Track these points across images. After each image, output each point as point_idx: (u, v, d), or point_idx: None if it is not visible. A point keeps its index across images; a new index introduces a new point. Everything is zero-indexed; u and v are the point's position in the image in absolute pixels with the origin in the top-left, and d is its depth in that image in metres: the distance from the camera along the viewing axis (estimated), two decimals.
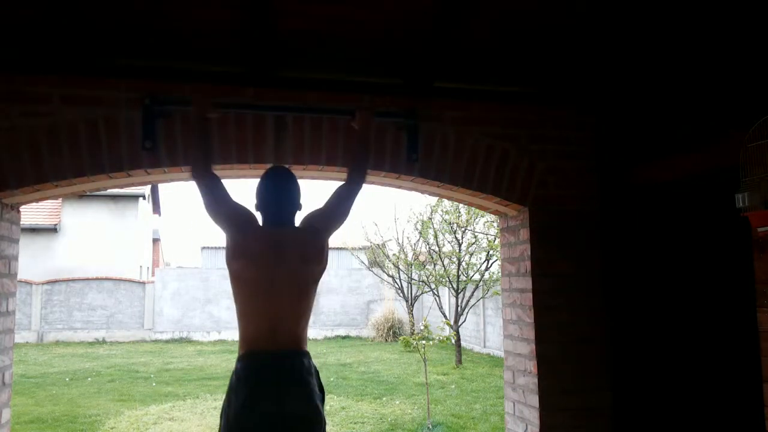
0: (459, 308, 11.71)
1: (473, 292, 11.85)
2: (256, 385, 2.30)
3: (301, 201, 2.62)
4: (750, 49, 2.61)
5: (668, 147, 3.01)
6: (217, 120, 2.92)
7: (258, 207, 2.58)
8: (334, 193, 2.71)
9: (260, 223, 2.55)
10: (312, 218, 2.61)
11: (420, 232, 12.78)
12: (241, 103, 2.96)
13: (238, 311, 2.46)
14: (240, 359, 2.38)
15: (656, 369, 3.39)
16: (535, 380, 3.18)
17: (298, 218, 2.63)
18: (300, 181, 2.75)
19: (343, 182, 2.77)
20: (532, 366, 3.22)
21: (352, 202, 2.73)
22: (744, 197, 2.40)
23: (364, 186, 2.87)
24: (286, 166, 2.89)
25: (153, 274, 22.66)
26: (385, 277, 15.29)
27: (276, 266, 2.41)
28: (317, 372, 2.47)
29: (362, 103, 3.08)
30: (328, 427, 2.60)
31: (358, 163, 2.81)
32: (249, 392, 2.29)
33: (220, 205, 2.51)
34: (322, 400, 2.46)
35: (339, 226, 2.67)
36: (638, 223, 3.42)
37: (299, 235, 2.52)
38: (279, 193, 2.57)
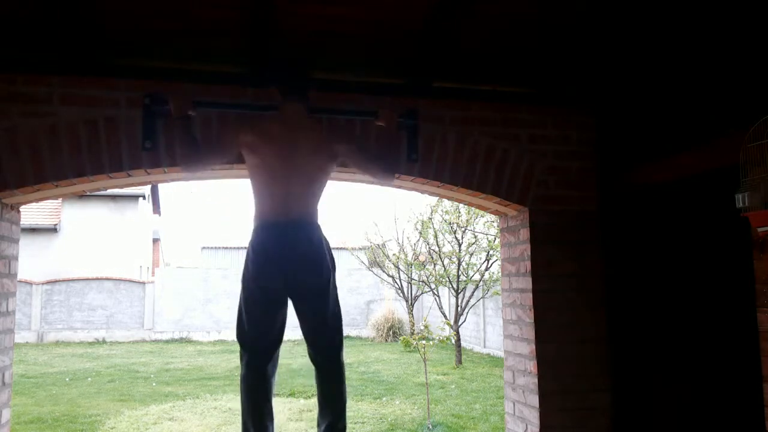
0: (459, 308, 11.71)
1: (473, 292, 11.85)
2: (268, 251, 2.56)
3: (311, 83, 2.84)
4: (750, 49, 2.61)
5: (668, 147, 3.01)
6: (217, 120, 2.92)
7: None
8: (370, 156, 2.87)
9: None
10: (337, 136, 2.83)
11: (420, 232, 12.77)
12: (240, 103, 2.96)
13: (254, 192, 2.70)
14: (255, 230, 2.63)
15: (656, 369, 3.39)
16: (535, 380, 3.18)
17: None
18: None
19: (374, 174, 2.87)
20: (532, 366, 3.22)
21: (364, 170, 2.86)
22: (744, 197, 2.40)
23: (377, 182, 3.02)
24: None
25: (153, 274, 22.66)
26: (385, 277, 15.28)
27: (288, 152, 2.64)
28: (328, 243, 2.70)
29: (362, 103, 3.09)
30: None
31: (384, 161, 2.90)
32: (262, 258, 2.56)
33: (225, 151, 2.74)
34: (333, 266, 2.70)
35: (340, 165, 2.85)
36: (638, 223, 3.42)
37: (312, 133, 2.74)
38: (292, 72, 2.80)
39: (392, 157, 2.97)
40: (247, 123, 2.75)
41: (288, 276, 2.58)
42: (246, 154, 2.70)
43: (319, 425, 2.75)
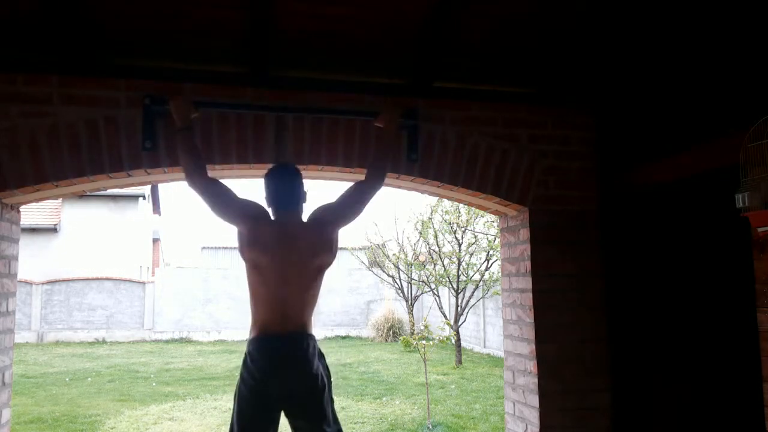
0: (459, 308, 11.71)
1: (473, 292, 11.85)
2: (266, 365, 2.53)
3: (305, 191, 2.80)
4: (750, 49, 2.61)
5: (668, 147, 3.01)
6: (217, 120, 2.92)
7: (267, 202, 2.76)
8: (351, 188, 2.84)
9: (271, 216, 2.72)
10: (323, 211, 2.76)
11: (420, 232, 12.77)
12: (240, 103, 2.96)
13: (251, 295, 2.66)
14: (252, 341, 2.60)
15: (656, 369, 3.39)
16: (535, 380, 3.18)
17: (307, 212, 2.79)
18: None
19: (362, 180, 2.86)
20: (532, 366, 3.22)
21: (368, 200, 2.84)
22: (744, 197, 2.39)
23: (382, 187, 2.95)
24: (288, 162, 2.94)
25: (153, 274, 22.66)
26: (385, 277, 15.28)
27: (287, 256, 2.61)
28: (322, 354, 2.69)
29: (363, 103, 3.09)
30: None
31: (379, 164, 2.90)
32: (260, 372, 2.53)
33: (228, 208, 2.68)
34: (329, 380, 2.67)
35: (350, 221, 2.81)
36: (638, 223, 3.42)
37: (309, 227, 2.70)
38: (283, 188, 2.75)
39: (385, 159, 2.91)
40: (249, 215, 2.66)
41: (284, 389, 2.54)
42: (239, 234, 2.64)
43: None
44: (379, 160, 2.90)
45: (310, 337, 2.63)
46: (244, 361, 2.61)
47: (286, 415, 2.62)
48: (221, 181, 2.75)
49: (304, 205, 2.79)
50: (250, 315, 2.66)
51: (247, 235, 2.63)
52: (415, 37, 3.01)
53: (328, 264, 2.72)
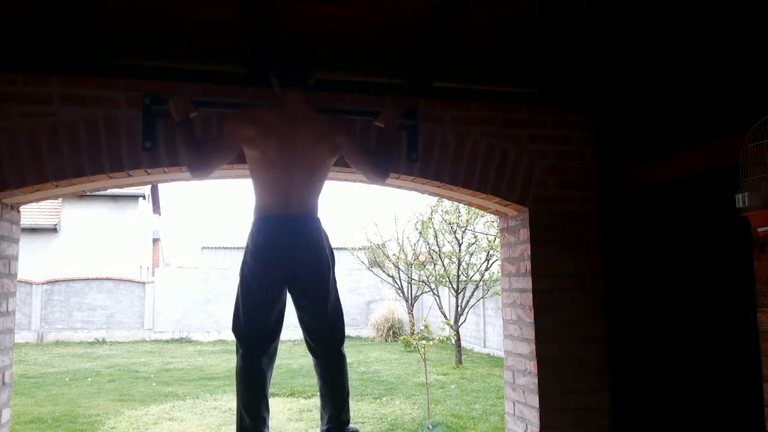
0: (459, 308, 11.70)
1: (473, 292, 11.85)
2: (269, 244, 2.57)
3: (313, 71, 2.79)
4: (750, 49, 2.61)
5: (668, 147, 3.01)
6: (217, 120, 2.92)
7: (272, 73, 2.76)
8: (367, 154, 2.84)
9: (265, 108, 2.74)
10: (336, 127, 2.77)
11: (420, 232, 12.77)
12: (240, 103, 2.95)
13: (253, 183, 2.68)
14: (255, 222, 2.63)
15: (656, 369, 3.39)
16: (535, 380, 3.18)
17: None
18: None
19: (369, 168, 2.84)
20: (532, 366, 3.22)
21: (364, 171, 2.83)
22: (744, 197, 2.39)
23: (377, 183, 2.96)
24: None
25: (153, 274, 22.66)
26: (385, 277, 15.28)
27: (289, 143, 2.62)
28: (327, 236, 2.71)
29: (363, 103, 3.09)
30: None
31: (382, 164, 2.88)
32: (263, 251, 2.56)
33: (230, 151, 2.69)
34: (333, 260, 2.70)
35: (339, 156, 2.81)
36: (638, 223, 3.42)
37: (313, 124, 2.71)
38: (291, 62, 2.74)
39: (388, 158, 2.94)
40: (246, 115, 2.71)
41: (288, 269, 2.58)
42: (246, 147, 2.67)
43: (321, 418, 2.74)
44: (382, 161, 2.89)
45: (315, 219, 2.66)
46: (247, 244, 2.63)
47: (290, 292, 2.64)
48: (215, 153, 2.71)
49: (309, 81, 2.78)
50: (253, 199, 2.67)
51: (250, 138, 2.63)
52: (415, 37, 3.01)
53: (331, 160, 2.75)
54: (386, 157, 2.91)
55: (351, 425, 2.73)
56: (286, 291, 2.65)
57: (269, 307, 2.61)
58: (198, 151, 2.67)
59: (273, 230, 2.59)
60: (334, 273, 2.70)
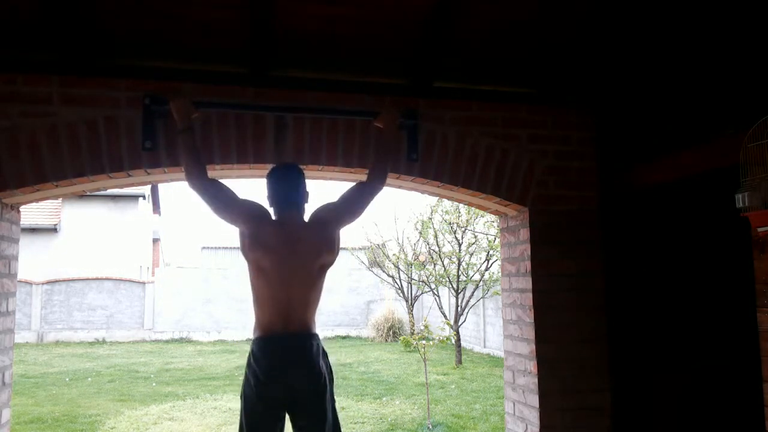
0: (459, 308, 11.71)
1: (473, 292, 11.85)
2: (270, 365, 2.55)
3: (308, 191, 2.81)
4: (750, 49, 2.61)
5: (668, 147, 3.01)
6: (217, 120, 2.92)
7: (269, 202, 2.77)
8: (354, 187, 2.84)
9: (273, 216, 2.72)
10: (325, 210, 2.76)
11: (420, 232, 12.77)
12: (240, 103, 2.96)
13: (254, 296, 2.66)
14: (256, 341, 2.61)
15: (656, 369, 3.39)
16: (535, 380, 3.18)
17: (308, 211, 2.80)
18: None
19: (364, 181, 2.86)
20: (532, 366, 3.22)
21: (369, 200, 2.85)
22: (744, 197, 2.39)
23: (383, 187, 2.95)
24: (290, 162, 2.94)
25: (153, 274, 22.66)
26: (385, 277, 15.28)
27: (289, 257, 2.61)
28: (325, 353, 2.70)
29: (363, 103, 3.09)
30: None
31: (381, 164, 2.90)
32: (264, 373, 2.54)
33: (228, 208, 2.69)
34: (331, 379, 2.68)
35: (351, 221, 2.82)
36: (638, 222, 3.42)
37: (311, 227, 2.71)
38: (286, 187, 2.76)
39: (385, 161, 2.91)
40: (249, 216, 2.66)
41: (287, 391, 2.56)
42: (242, 235, 2.65)
43: None
44: (381, 161, 2.90)
45: (314, 337, 2.64)
46: (249, 362, 2.62)
47: (289, 414, 2.63)
48: (221, 181, 2.75)
49: (306, 205, 2.79)
50: (253, 315, 2.66)
51: (249, 236, 2.63)
52: (415, 37, 3.01)
53: (331, 263, 2.73)
54: (382, 162, 2.89)
55: None
56: (285, 410, 2.63)
57: (271, 425, 2.59)
58: (198, 169, 2.67)
59: (274, 352, 2.56)
60: (332, 391, 2.68)
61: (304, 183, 2.81)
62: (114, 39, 2.87)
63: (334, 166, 3.07)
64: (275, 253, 2.60)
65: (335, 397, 2.74)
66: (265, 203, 2.77)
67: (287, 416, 2.64)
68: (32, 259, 17.47)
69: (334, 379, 2.75)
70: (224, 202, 2.68)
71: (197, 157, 2.71)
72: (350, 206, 2.80)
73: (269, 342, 2.58)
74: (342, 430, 2.72)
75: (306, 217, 2.77)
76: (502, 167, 3.25)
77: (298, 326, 2.60)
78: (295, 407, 2.61)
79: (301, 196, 2.77)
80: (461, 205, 10.94)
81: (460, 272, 11.67)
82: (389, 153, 2.96)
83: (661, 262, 3.44)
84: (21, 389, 8.84)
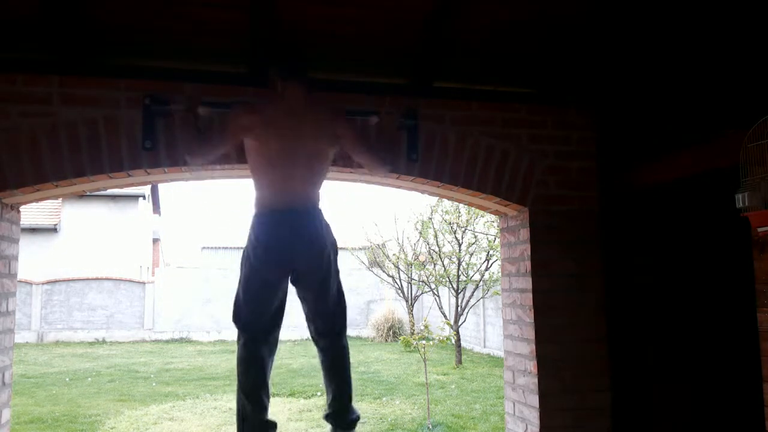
0: (459, 308, 11.70)
1: (473, 292, 11.85)
2: (271, 241, 2.57)
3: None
4: (750, 49, 2.61)
5: (668, 147, 3.01)
6: (217, 120, 2.92)
7: (272, 72, 2.79)
8: (368, 144, 2.87)
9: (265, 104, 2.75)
10: (339, 118, 2.79)
11: (420, 232, 12.77)
12: (241, 100, 2.95)
13: (254, 178, 2.68)
14: (256, 216, 2.63)
15: (656, 369, 3.39)
16: (535, 380, 3.18)
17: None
18: None
19: (367, 160, 2.86)
20: (532, 366, 3.22)
21: (364, 158, 2.85)
22: (744, 197, 2.40)
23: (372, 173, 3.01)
24: None
25: (153, 274, 22.66)
26: (385, 277, 15.27)
27: (291, 138, 2.63)
28: (328, 227, 2.71)
29: (363, 103, 3.08)
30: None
31: (381, 154, 2.92)
32: (265, 248, 2.56)
33: (231, 139, 2.71)
34: (336, 251, 2.71)
35: (339, 148, 2.83)
36: (638, 223, 3.42)
37: (314, 111, 2.73)
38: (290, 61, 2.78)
39: (389, 152, 2.96)
40: (246, 107, 2.72)
41: (289, 264, 2.59)
42: (246, 139, 2.68)
43: (326, 413, 2.74)
44: (383, 152, 2.94)
45: (318, 211, 2.66)
46: (249, 238, 2.63)
47: (293, 284, 2.66)
48: (216, 140, 2.76)
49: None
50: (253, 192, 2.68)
51: (251, 130, 2.64)
52: (415, 37, 3.01)
53: (330, 155, 2.76)
54: (387, 152, 2.94)
55: (354, 412, 2.73)
56: (287, 282, 2.67)
57: (270, 298, 2.63)
58: (198, 139, 2.72)
59: (274, 225, 2.60)
60: (336, 265, 2.71)
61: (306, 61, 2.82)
62: (114, 39, 2.87)
63: (333, 165, 3.06)
64: (276, 128, 2.63)
65: (339, 268, 2.76)
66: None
67: (290, 288, 2.66)
68: (32, 259, 17.47)
69: (338, 252, 2.76)
70: (228, 134, 2.70)
71: (198, 136, 2.78)
72: (354, 147, 2.80)
73: (269, 215, 2.61)
74: (346, 302, 2.77)
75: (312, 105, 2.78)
76: (502, 167, 3.25)
77: (299, 202, 2.62)
78: (298, 279, 2.63)
79: (304, 66, 2.79)
80: (461, 205, 10.94)
81: (460, 272, 11.67)
82: (389, 149, 2.99)
83: (661, 262, 3.44)
84: (21, 389, 8.84)
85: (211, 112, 2.89)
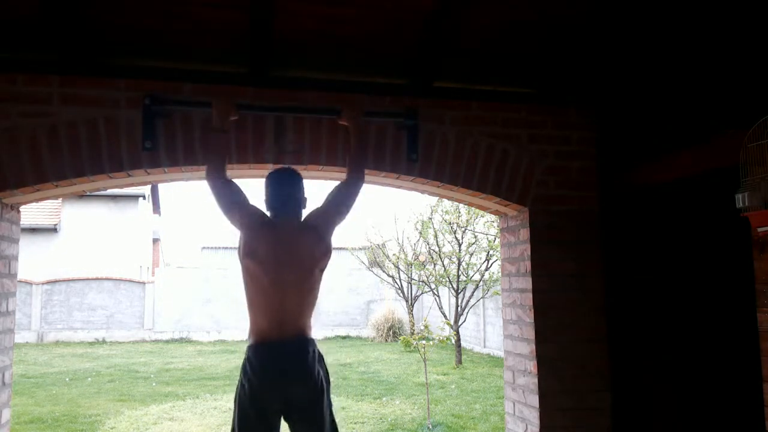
0: (459, 308, 11.71)
1: (473, 292, 11.85)
2: (265, 374, 2.53)
3: (306, 196, 2.80)
4: (750, 48, 2.61)
5: (668, 147, 3.01)
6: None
7: (266, 205, 2.77)
8: (334, 189, 2.84)
9: (271, 222, 2.71)
10: (313, 217, 2.76)
11: (420, 232, 12.78)
12: (241, 104, 2.96)
13: (248, 302, 2.64)
14: (250, 348, 2.59)
15: (656, 369, 3.39)
16: (535, 380, 3.18)
17: (304, 214, 2.79)
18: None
19: (343, 181, 2.88)
20: (532, 366, 3.22)
21: (354, 197, 2.85)
22: (744, 197, 2.40)
23: (364, 183, 2.95)
24: (289, 166, 2.93)
25: (153, 274, 22.66)
26: (385, 277, 15.28)
27: (284, 263, 2.60)
28: (321, 357, 2.68)
29: (363, 103, 3.08)
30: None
31: (356, 161, 2.90)
32: (259, 381, 2.52)
33: (233, 211, 2.68)
34: (328, 383, 2.66)
35: (340, 222, 2.81)
36: (638, 223, 3.42)
37: (305, 232, 2.69)
38: (282, 193, 2.75)
39: (361, 158, 2.92)
40: (251, 224, 2.66)
41: (283, 399, 2.55)
42: (240, 236, 2.66)
43: None
44: (356, 157, 2.90)
45: (310, 343, 2.62)
46: (244, 368, 2.59)
47: (285, 420, 2.62)
48: (236, 182, 2.75)
49: (303, 210, 2.79)
50: (248, 320, 2.65)
51: (247, 242, 2.63)
52: (415, 37, 3.01)
53: (325, 266, 2.72)
54: (357, 159, 2.89)
55: None
56: (280, 415, 2.61)
57: (264, 429, 2.57)
58: (221, 168, 2.68)
59: (268, 359, 2.54)
60: (329, 396, 2.66)
61: (302, 187, 2.80)
62: (114, 39, 2.87)
63: (334, 166, 3.07)
64: (270, 259, 2.59)
65: (332, 400, 2.73)
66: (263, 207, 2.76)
67: (282, 422, 2.62)
68: (32, 259, 17.47)
69: (331, 381, 2.73)
70: (230, 204, 2.67)
71: (223, 157, 2.73)
72: (336, 207, 2.78)
73: (265, 349, 2.56)
74: (339, 431, 2.72)
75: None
76: (502, 167, 3.25)
77: (293, 332, 2.58)
78: (293, 414, 2.59)
79: (298, 201, 2.76)
80: (461, 205, 10.94)
81: (460, 272, 11.67)
82: (359, 148, 2.93)
83: (661, 262, 3.44)
84: (21, 389, 8.84)
85: (204, 114, 2.87)
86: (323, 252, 2.69)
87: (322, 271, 2.71)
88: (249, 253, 2.61)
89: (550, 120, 3.35)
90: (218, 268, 17.89)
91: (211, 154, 2.75)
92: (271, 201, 2.75)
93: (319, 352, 2.67)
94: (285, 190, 2.75)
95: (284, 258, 2.60)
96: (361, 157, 2.94)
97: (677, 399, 3.40)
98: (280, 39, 2.91)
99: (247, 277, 2.63)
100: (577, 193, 3.35)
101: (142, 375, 10.42)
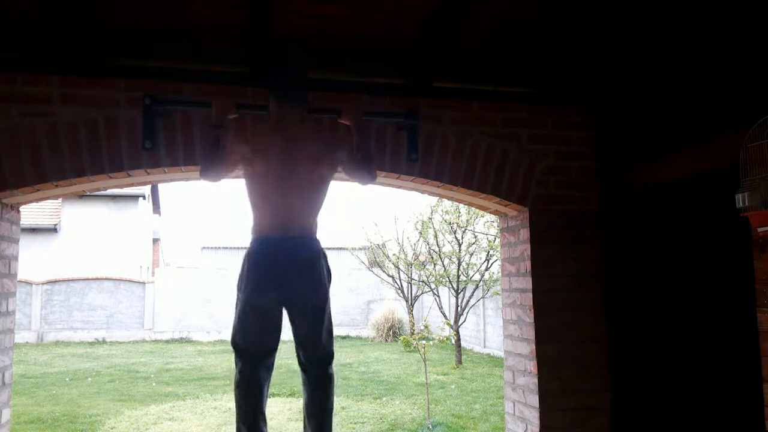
0: (459, 308, 11.70)
1: (473, 292, 11.85)
2: (266, 269, 2.57)
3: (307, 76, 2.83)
4: (750, 48, 2.61)
5: (668, 147, 3.01)
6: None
7: (270, 91, 2.78)
8: (359, 163, 2.79)
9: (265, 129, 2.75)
10: (339, 141, 2.82)
11: (420, 232, 12.77)
12: (241, 104, 2.95)
13: (251, 203, 2.67)
14: (253, 242, 2.61)
15: (656, 369, 3.39)
16: (535, 380, 3.18)
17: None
18: None
19: (353, 170, 2.82)
20: (532, 366, 3.22)
21: (351, 175, 2.84)
22: (744, 197, 2.40)
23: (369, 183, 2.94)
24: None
25: (153, 274, 22.66)
26: (385, 277, 15.27)
27: (289, 165, 2.62)
28: (325, 255, 2.70)
29: (363, 103, 3.08)
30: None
31: (363, 163, 2.83)
32: (261, 275, 2.56)
33: (238, 163, 2.70)
34: (329, 281, 2.70)
35: (334, 166, 2.80)
36: (638, 223, 3.42)
37: (310, 136, 2.73)
38: (289, 76, 2.78)
39: (370, 157, 2.88)
40: (243, 135, 2.71)
41: (284, 291, 2.58)
42: (243, 165, 2.68)
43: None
44: (366, 163, 2.83)
45: (313, 239, 2.65)
46: (244, 265, 2.63)
47: (287, 309, 2.65)
48: (221, 167, 2.72)
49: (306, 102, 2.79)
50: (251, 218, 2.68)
51: (248, 150, 2.65)
52: (415, 37, 3.01)
53: (328, 177, 2.75)
54: (368, 158, 2.85)
55: None
56: (282, 308, 2.65)
57: (265, 324, 2.62)
58: (212, 159, 2.68)
59: (270, 253, 2.58)
60: (328, 293, 2.69)
61: (306, 74, 2.81)
62: (114, 39, 2.87)
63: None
64: (273, 157, 2.62)
65: (330, 298, 2.75)
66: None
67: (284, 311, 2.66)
68: (32, 259, 17.46)
69: (332, 282, 2.75)
70: (230, 162, 2.69)
71: (214, 154, 2.70)
72: (349, 168, 2.80)
73: (265, 242, 2.60)
74: (333, 329, 2.73)
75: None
76: (502, 167, 3.25)
77: (295, 230, 2.61)
78: (292, 306, 2.63)
79: (303, 88, 2.77)
80: (461, 205, 10.94)
81: (460, 272, 11.66)
82: (368, 150, 2.89)
83: (661, 262, 3.44)
84: (21, 389, 8.84)
85: (204, 114, 2.87)
86: (327, 169, 2.73)
87: (326, 178, 2.73)
88: (253, 161, 2.63)
89: (550, 120, 3.35)
90: (218, 268, 17.87)
91: (207, 150, 2.73)
92: (276, 84, 2.75)
93: (323, 251, 2.70)
94: (292, 75, 2.77)
95: (288, 161, 2.63)
96: (368, 159, 2.89)
97: (677, 399, 3.40)
98: (280, 39, 2.91)
99: (248, 178, 2.66)
100: (577, 193, 3.35)
101: (142, 375, 10.42)
